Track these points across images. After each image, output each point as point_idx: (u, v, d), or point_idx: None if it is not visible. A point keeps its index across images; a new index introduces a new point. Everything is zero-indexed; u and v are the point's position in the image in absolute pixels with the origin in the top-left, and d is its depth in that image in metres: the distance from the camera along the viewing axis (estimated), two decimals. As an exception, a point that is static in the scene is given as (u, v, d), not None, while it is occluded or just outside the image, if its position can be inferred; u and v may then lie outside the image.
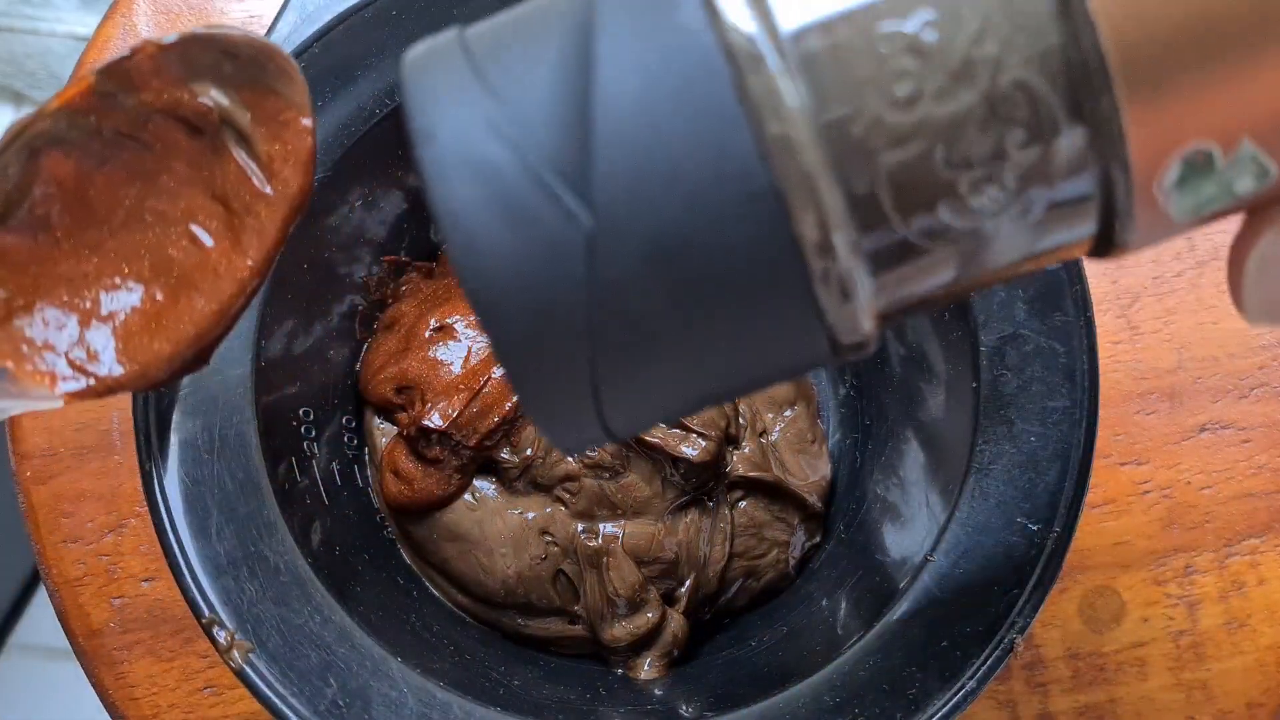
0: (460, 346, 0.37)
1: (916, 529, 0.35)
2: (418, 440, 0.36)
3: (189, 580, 0.30)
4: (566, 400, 0.16)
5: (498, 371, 0.36)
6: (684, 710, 0.34)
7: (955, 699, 0.31)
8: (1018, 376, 0.33)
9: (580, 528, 0.37)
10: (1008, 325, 0.33)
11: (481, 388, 0.35)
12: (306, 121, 0.27)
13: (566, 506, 0.37)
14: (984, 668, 0.31)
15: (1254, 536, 0.44)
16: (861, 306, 0.15)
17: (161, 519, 0.31)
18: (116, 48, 0.44)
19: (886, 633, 0.32)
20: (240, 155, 0.27)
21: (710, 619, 0.40)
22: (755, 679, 0.34)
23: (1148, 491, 0.44)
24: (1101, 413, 0.32)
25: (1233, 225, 0.46)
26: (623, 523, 0.37)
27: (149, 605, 0.41)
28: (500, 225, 0.15)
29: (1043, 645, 0.43)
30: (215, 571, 0.31)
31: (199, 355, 0.28)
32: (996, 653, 0.31)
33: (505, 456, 0.36)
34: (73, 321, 0.28)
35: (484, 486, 0.37)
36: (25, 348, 0.27)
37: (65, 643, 0.41)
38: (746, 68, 0.14)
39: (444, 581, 0.38)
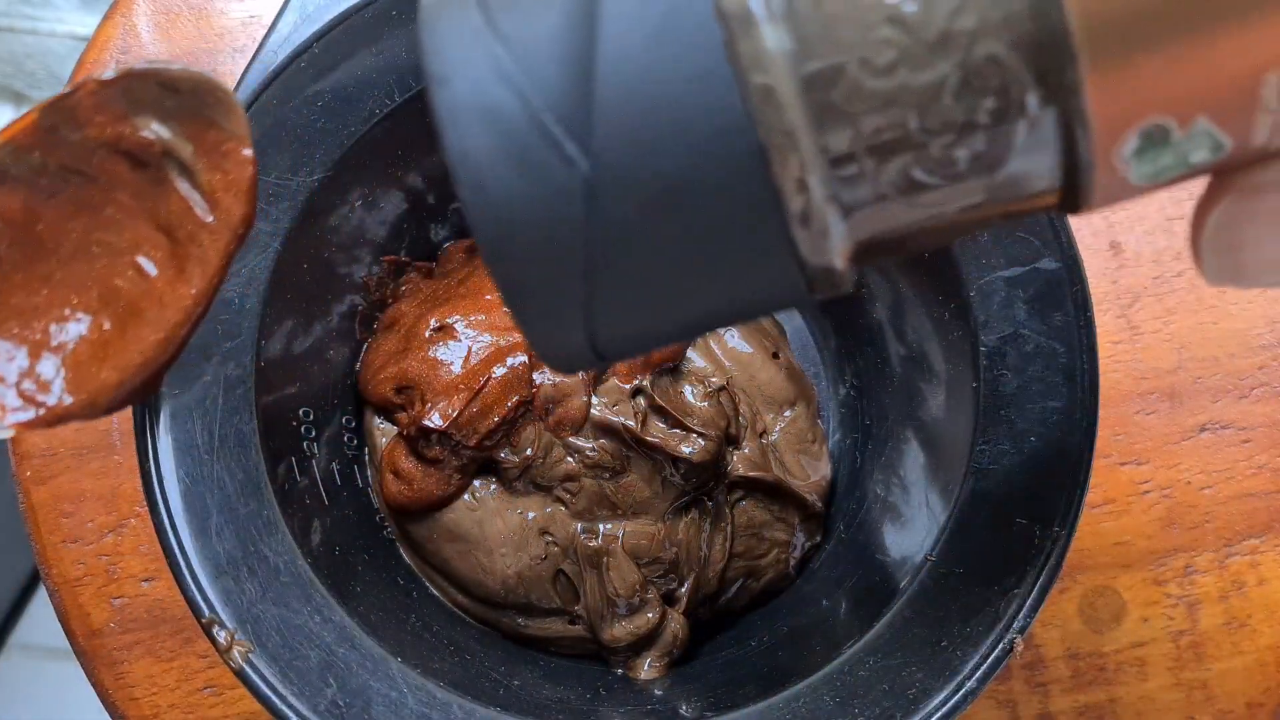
0: (460, 346, 0.37)
1: (916, 529, 0.35)
2: (418, 440, 0.36)
3: (189, 580, 0.30)
4: (561, 325, 0.17)
5: (498, 371, 0.36)
6: (684, 710, 0.34)
7: (955, 699, 0.31)
8: (1018, 376, 0.33)
9: (580, 528, 0.37)
10: (1008, 325, 0.33)
11: (481, 388, 0.35)
12: (247, 152, 0.28)
13: (566, 506, 0.37)
14: (984, 667, 0.31)
15: (1254, 536, 0.44)
16: (834, 246, 0.16)
17: (161, 519, 0.31)
18: (117, 47, 0.44)
19: (886, 633, 0.32)
20: (183, 186, 0.28)
21: (710, 619, 0.40)
22: (755, 679, 0.34)
23: (1148, 491, 0.44)
24: (1101, 413, 0.32)
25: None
26: (623, 523, 0.37)
27: (149, 605, 0.41)
28: (505, 168, 0.16)
29: (1043, 645, 0.43)
30: (215, 571, 0.31)
31: (147, 383, 0.29)
32: (996, 652, 0.31)
33: (505, 456, 0.36)
34: (22, 353, 0.28)
35: (484, 486, 0.37)
36: None
37: (65, 643, 0.41)
38: (738, 29, 0.15)
39: (444, 581, 0.38)
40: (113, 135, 0.28)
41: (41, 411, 0.28)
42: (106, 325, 0.29)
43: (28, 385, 0.28)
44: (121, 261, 0.29)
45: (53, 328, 0.29)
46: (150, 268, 0.29)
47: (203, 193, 0.28)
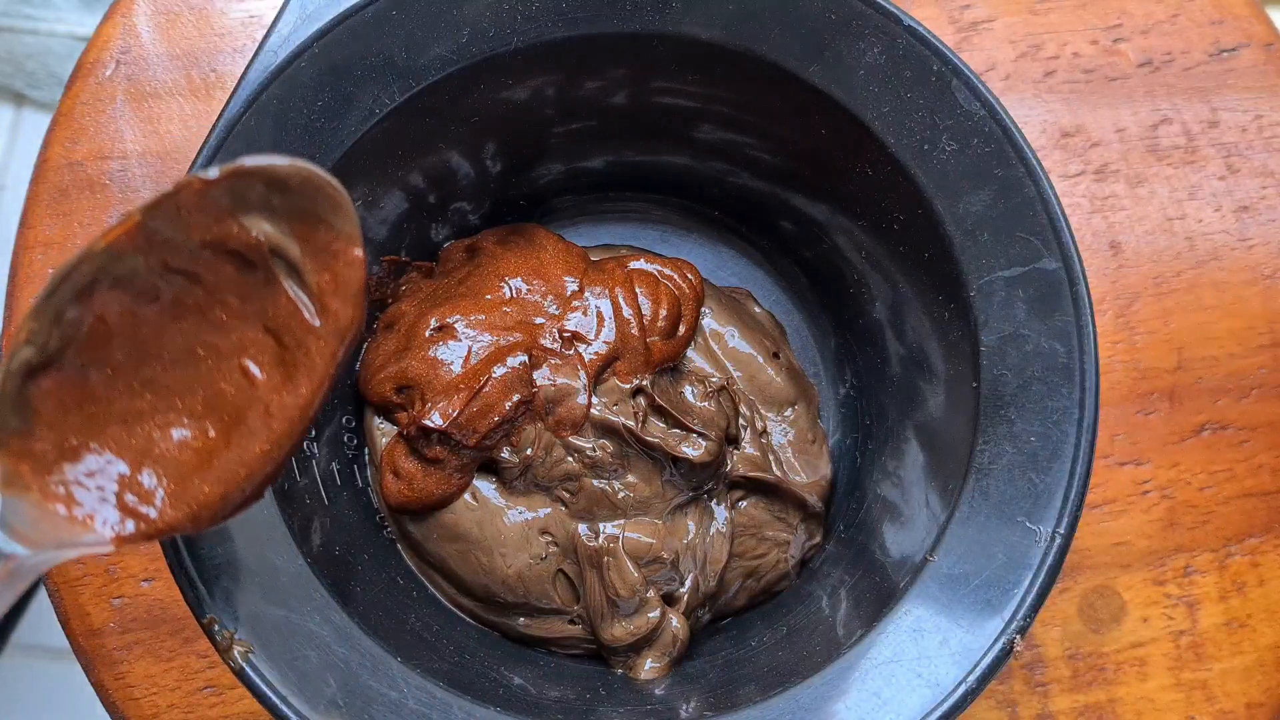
0: (460, 346, 0.37)
1: (916, 529, 0.35)
2: (418, 440, 0.36)
3: (189, 580, 0.30)
4: None
5: (498, 371, 0.36)
6: (684, 710, 0.34)
7: (956, 698, 0.31)
8: (1018, 377, 0.33)
9: (580, 528, 0.37)
10: (1008, 325, 0.33)
11: (481, 387, 0.35)
12: (357, 252, 0.26)
13: (567, 506, 0.37)
14: (984, 667, 0.31)
15: (1254, 536, 0.44)
16: None
17: (161, 519, 0.31)
18: (117, 47, 0.44)
19: (886, 633, 0.32)
20: (291, 287, 0.27)
21: (710, 619, 0.40)
22: (755, 679, 0.34)
23: (1148, 491, 0.44)
24: (1101, 413, 0.32)
25: (1233, 226, 0.46)
26: (623, 523, 0.37)
27: (149, 605, 0.41)
28: None
29: (1043, 645, 0.43)
30: (215, 572, 0.31)
31: (250, 497, 0.27)
32: (996, 652, 0.31)
33: (505, 456, 0.36)
34: (125, 463, 0.27)
35: (484, 486, 0.37)
36: (77, 492, 0.26)
37: (65, 643, 0.41)
38: None
39: (444, 581, 0.38)
40: (218, 235, 0.26)
41: (142, 526, 0.26)
42: (211, 433, 0.27)
43: (129, 497, 0.26)
44: (227, 365, 0.27)
45: (156, 434, 0.27)
46: (257, 373, 0.27)
47: (310, 294, 0.27)
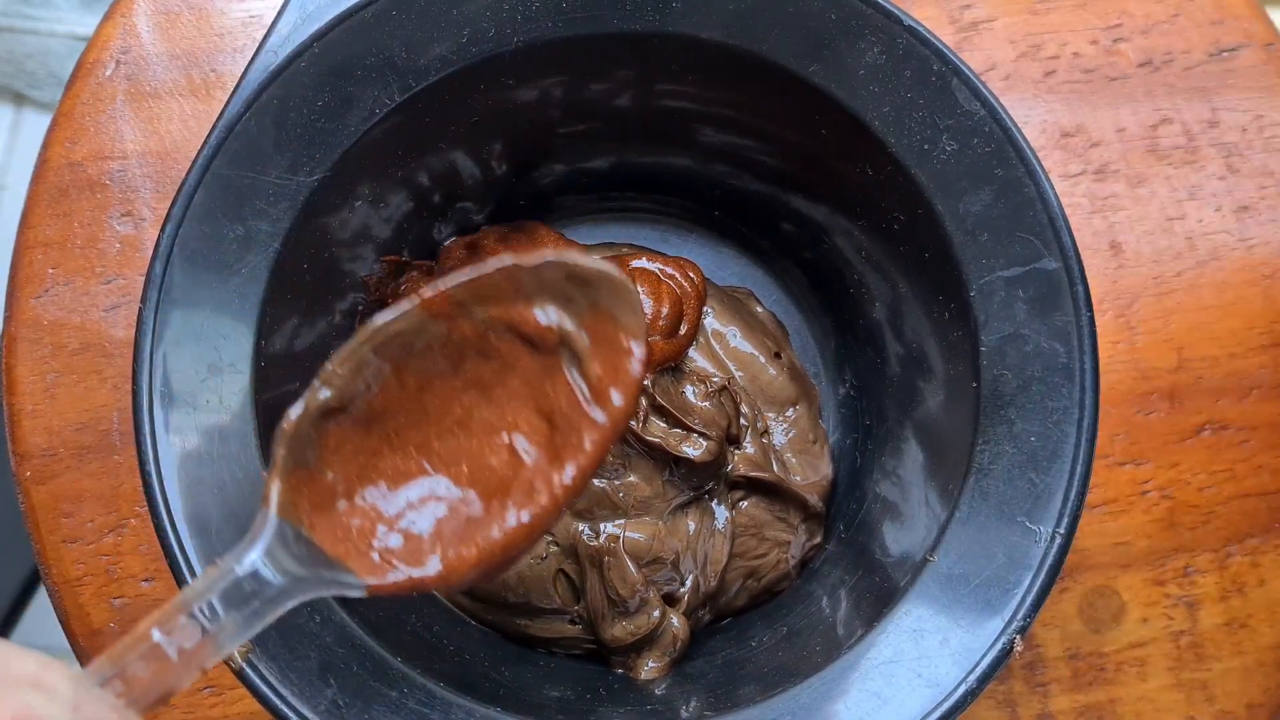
0: (460, 346, 0.37)
1: (917, 529, 0.35)
2: (418, 440, 0.36)
3: (189, 580, 0.30)
4: None
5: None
6: (684, 711, 0.34)
7: (956, 698, 0.31)
8: (1018, 376, 0.33)
9: (581, 527, 0.37)
10: (1008, 325, 0.33)
11: (482, 388, 0.35)
12: (640, 350, 0.27)
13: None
14: (984, 667, 0.31)
15: (1254, 536, 0.44)
16: None
17: (161, 519, 0.31)
18: (117, 47, 0.44)
19: (886, 633, 0.32)
20: (572, 375, 0.28)
21: (711, 619, 0.40)
22: (756, 679, 0.34)
23: (1148, 491, 0.44)
24: (1101, 412, 0.32)
25: (1233, 226, 0.46)
26: (623, 523, 0.37)
27: (149, 605, 0.41)
28: None
29: (1043, 645, 0.43)
30: (215, 571, 0.30)
31: (501, 565, 0.28)
32: (996, 652, 0.31)
33: (505, 456, 0.36)
34: (390, 516, 0.28)
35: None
36: (343, 534, 0.27)
37: (65, 643, 0.41)
38: None
39: (444, 581, 0.38)
40: (515, 318, 0.28)
41: (400, 578, 0.27)
42: (474, 502, 0.28)
43: (390, 549, 0.28)
44: (498, 441, 0.29)
45: (420, 496, 0.28)
46: (526, 453, 0.28)
47: (589, 384, 0.28)
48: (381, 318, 0.27)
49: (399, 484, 0.28)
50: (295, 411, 0.27)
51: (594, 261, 0.27)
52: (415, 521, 0.28)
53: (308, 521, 0.27)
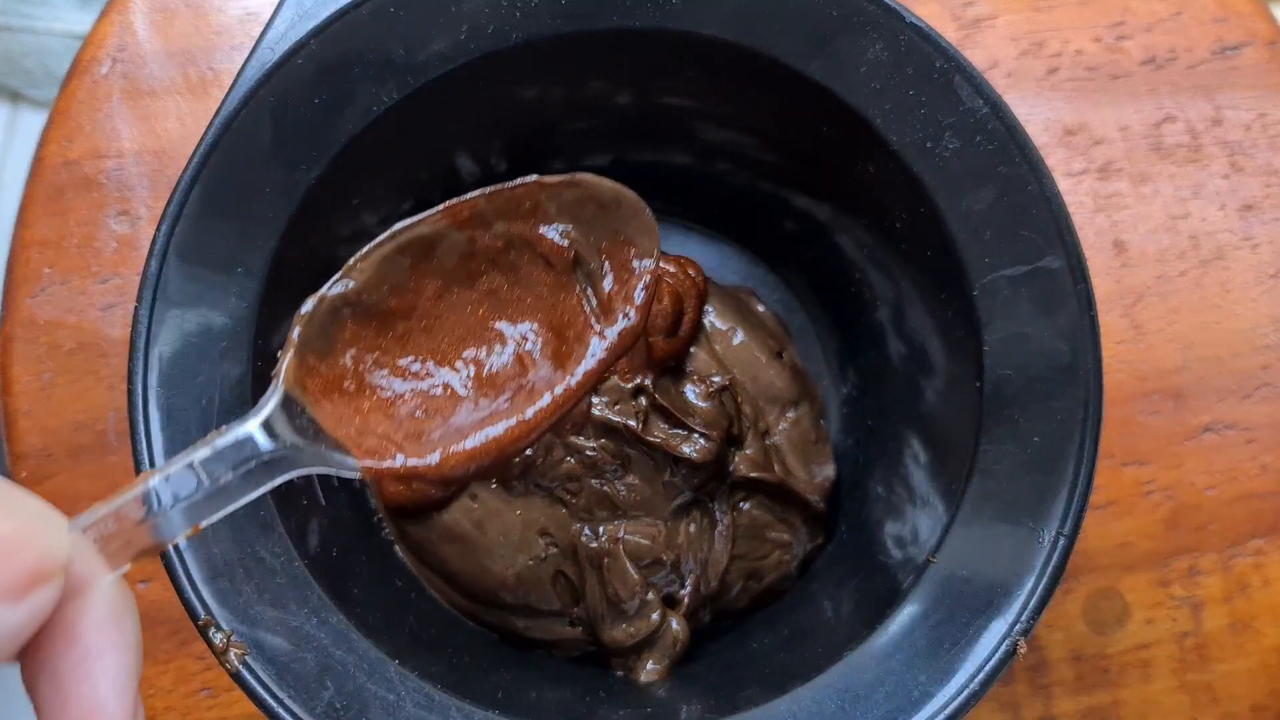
0: (459, 346, 0.36)
1: (919, 530, 0.35)
2: (416, 440, 0.36)
3: (185, 582, 0.30)
4: None
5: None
6: (685, 713, 0.34)
7: (958, 701, 0.31)
8: (1021, 376, 0.32)
9: (581, 529, 0.37)
10: (1011, 324, 0.33)
11: (480, 387, 0.35)
12: (651, 269, 0.30)
13: (567, 507, 0.37)
14: (987, 670, 0.31)
15: (1258, 537, 0.44)
16: None
17: (157, 520, 0.30)
18: (113, 45, 0.44)
19: (889, 635, 0.32)
20: (584, 292, 0.30)
21: (711, 621, 0.39)
22: (757, 681, 0.34)
23: (1151, 492, 0.44)
24: (1105, 413, 0.32)
25: (1237, 225, 0.46)
26: (624, 524, 0.37)
27: (145, 607, 0.41)
28: None
29: (1046, 647, 0.43)
30: (211, 573, 0.30)
31: (494, 465, 0.31)
32: (1000, 654, 0.31)
33: (504, 457, 0.36)
34: (394, 409, 0.30)
35: (483, 487, 0.37)
36: (346, 419, 0.29)
37: (61, 644, 0.41)
38: None
39: (442, 583, 0.38)
40: (534, 234, 0.29)
41: (396, 465, 0.29)
42: (474, 404, 0.30)
43: (391, 437, 0.29)
44: (506, 348, 0.30)
45: (426, 392, 0.30)
46: (533, 360, 0.30)
47: (600, 301, 0.30)
48: (407, 221, 0.29)
49: (407, 380, 0.30)
50: (314, 297, 0.29)
51: (611, 184, 0.28)
52: (418, 415, 0.30)
53: (313, 401, 0.28)
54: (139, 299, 0.31)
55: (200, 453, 0.25)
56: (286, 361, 0.28)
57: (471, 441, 0.29)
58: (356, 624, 0.32)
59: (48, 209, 0.43)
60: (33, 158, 0.44)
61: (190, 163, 0.32)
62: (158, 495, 0.24)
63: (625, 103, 0.37)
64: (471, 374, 0.30)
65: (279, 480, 0.26)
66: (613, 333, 0.30)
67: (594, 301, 0.30)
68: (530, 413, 0.30)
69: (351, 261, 0.29)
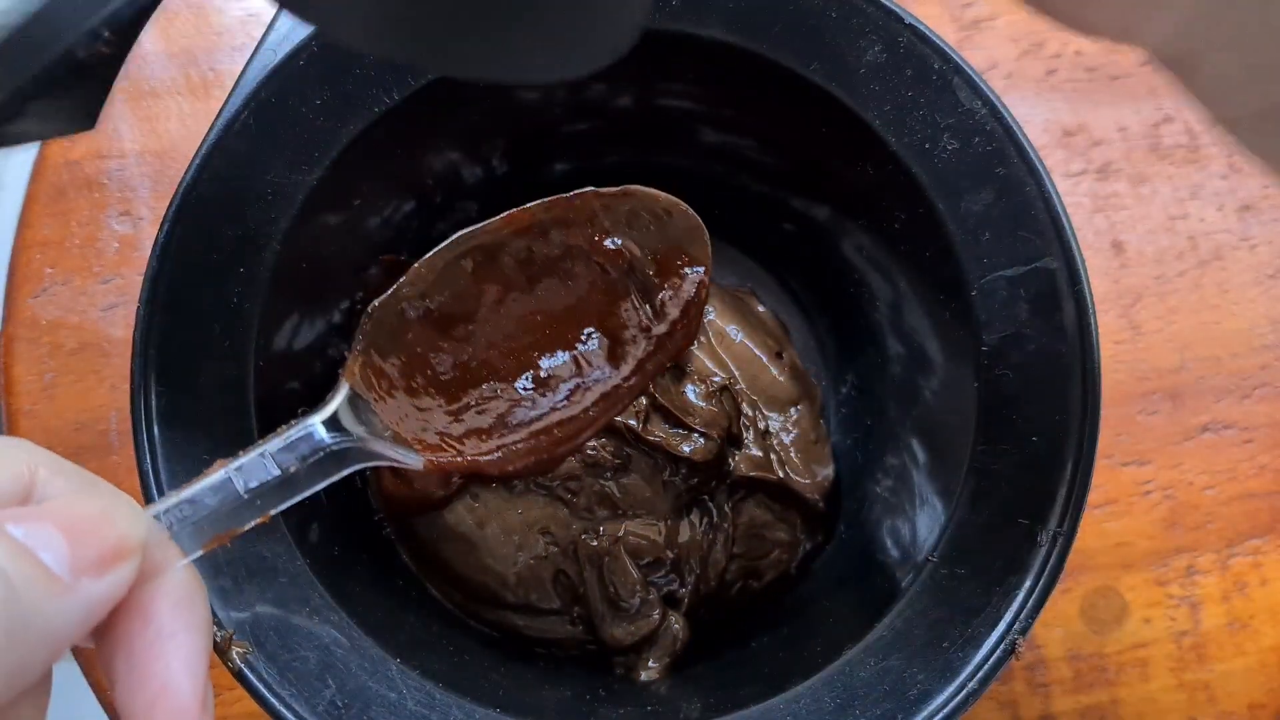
0: (460, 346, 0.37)
1: (918, 529, 0.35)
2: (417, 440, 0.36)
3: (187, 581, 0.30)
4: None
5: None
6: (684, 712, 0.34)
7: (957, 700, 0.31)
8: (1019, 376, 0.33)
9: (581, 528, 0.37)
10: (1010, 325, 0.33)
11: (481, 387, 0.35)
12: (703, 279, 0.31)
13: (567, 507, 0.37)
14: (985, 668, 0.31)
15: (1256, 537, 0.44)
16: None
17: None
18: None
19: (888, 634, 0.32)
20: (637, 299, 0.31)
21: (711, 620, 0.39)
22: (756, 680, 0.34)
23: (1149, 492, 0.44)
24: (1103, 413, 0.32)
25: (1235, 225, 0.46)
26: (624, 523, 0.37)
27: (147, 606, 0.41)
28: None
29: (1044, 646, 0.43)
30: (212, 571, 0.30)
31: (553, 460, 0.32)
32: (998, 653, 0.31)
33: (505, 456, 0.36)
34: (454, 406, 0.31)
35: (484, 486, 0.37)
36: (409, 415, 0.30)
37: (63, 643, 0.41)
38: None
39: (443, 582, 0.38)
40: (591, 242, 0.30)
41: (457, 457, 0.31)
42: (535, 400, 0.31)
43: (450, 433, 0.31)
44: (563, 350, 0.32)
45: (486, 392, 0.31)
46: (588, 362, 0.32)
47: (652, 306, 0.31)
48: (470, 229, 0.30)
49: (467, 378, 0.31)
50: (380, 299, 0.30)
51: (664, 195, 0.30)
52: (478, 412, 0.31)
53: (377, 398, 0.29)
54: (141, 299, 0.31)
55: (272, 443, 0.26)
56: (356, 362, 0.30)
57: (531, 438, 0.31)
58: (357, 623, 0.32)
59: (50, 209, 0.43)
60: (35, 158, 0.44)
61: (192, 163, 0.32)
62: (231, 483, 0.25)
63: (626, 105, 0.37)
64: (530, 374, 0.31)
65: (345, 472, 0.28)
66: (665, 335, 0.31)
67: (648, 309, 0.31)
68: (587, 411, 0.31)
69: (416, 266, 0.30)
